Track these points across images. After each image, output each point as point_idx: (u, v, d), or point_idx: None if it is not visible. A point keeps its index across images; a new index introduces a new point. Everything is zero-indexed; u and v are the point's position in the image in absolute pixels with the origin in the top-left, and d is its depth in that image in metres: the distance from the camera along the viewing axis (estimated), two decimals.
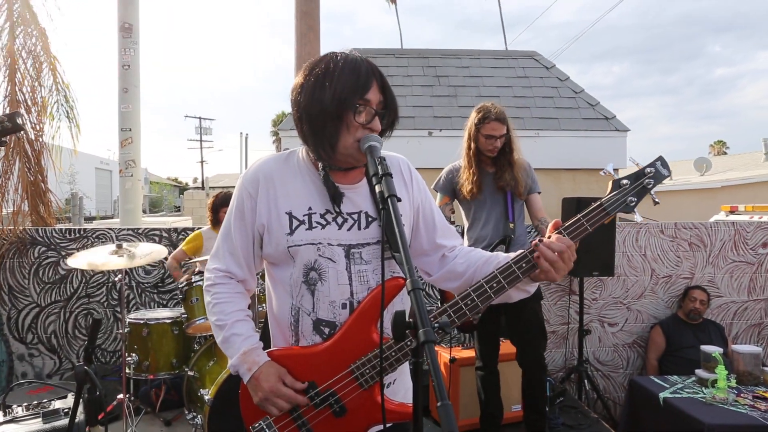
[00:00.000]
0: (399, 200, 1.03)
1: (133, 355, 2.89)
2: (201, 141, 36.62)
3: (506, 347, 2.95)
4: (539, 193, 2.73)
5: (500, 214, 2.65)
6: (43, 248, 3.96)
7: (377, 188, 1.01)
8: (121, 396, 2.72)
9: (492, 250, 2.60)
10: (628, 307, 4.39)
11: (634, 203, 1.10)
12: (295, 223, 1.19)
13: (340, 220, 1.21)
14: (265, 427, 1.20)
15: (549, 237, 1.14)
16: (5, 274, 3.94)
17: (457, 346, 3.28)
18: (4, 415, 1.83)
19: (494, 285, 1.13)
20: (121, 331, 2.79)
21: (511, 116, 4.87)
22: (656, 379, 3.44)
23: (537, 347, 2.67)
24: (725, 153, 35.25)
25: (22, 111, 4.10)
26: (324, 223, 1.20)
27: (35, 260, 3.96)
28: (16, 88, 4.04)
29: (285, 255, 1.20)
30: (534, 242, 1.13)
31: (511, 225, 2.60)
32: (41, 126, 4.23)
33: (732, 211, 6.49)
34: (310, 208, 1.21)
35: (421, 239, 1.33)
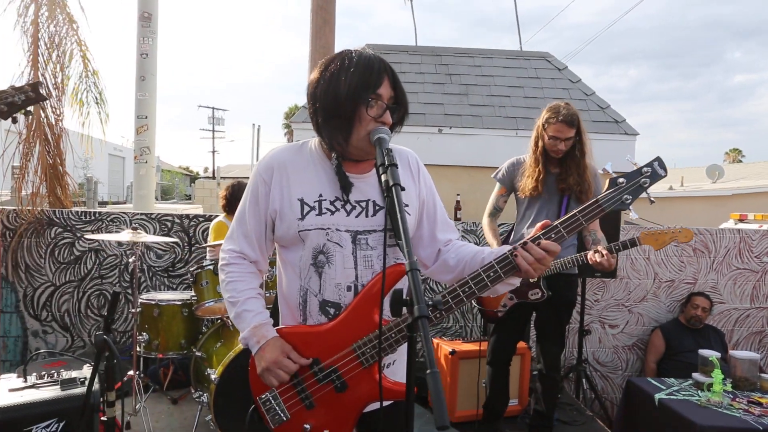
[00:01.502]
0: (403, 189, 1.10)
1: (144, 334, 3.00)
2: (213, 131, 36.90)
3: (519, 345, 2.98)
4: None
5: (551, 216, 2.58)
6: (60, 229, 4.08)
7: (383, 177, 1.09)
8: (131, 373, 2.83)
9: None
10: (629, 309, 4.44)
11: (629, 201, 1.16)
12: (306, 208, 1.27)
13: (348, 207, 1.28)
14: (271, 398, 1.29)
15: (543, 233, 1.20)
16: (23, 252, 4.07)
17: (458, 339, 3.35)
18: (24, 382, 1.94)
19: (478, 281, 1.20)
20: (133, 310, 2.89)
21: (520, 116, 4.97)
22: (653, 381, 3.48)
23: (552, 349, 2.69)
24: (740, 161, 34.88)
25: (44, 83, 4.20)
26: (333, 209, 1.27)
27: (51, 240, 4.08)
28: (39, 72, 4.16)
29: (296, 238, 1.28)
30: (517, 245, 1.19)
31: None
32: (62, 110, 4.35)
33: (741, 220, 6.48)
34: (320, 195, 1.28)
35: (422, 231, 1.40)
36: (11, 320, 4.12)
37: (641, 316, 4.43)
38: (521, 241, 1.19)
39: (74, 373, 2.03)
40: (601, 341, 4.43)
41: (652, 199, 1.23)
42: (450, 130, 4.79)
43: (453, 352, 3.10)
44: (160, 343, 3.03)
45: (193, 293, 3.04)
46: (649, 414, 3.00)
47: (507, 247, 1.23)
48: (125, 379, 2.81)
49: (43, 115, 4.15)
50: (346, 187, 1.27)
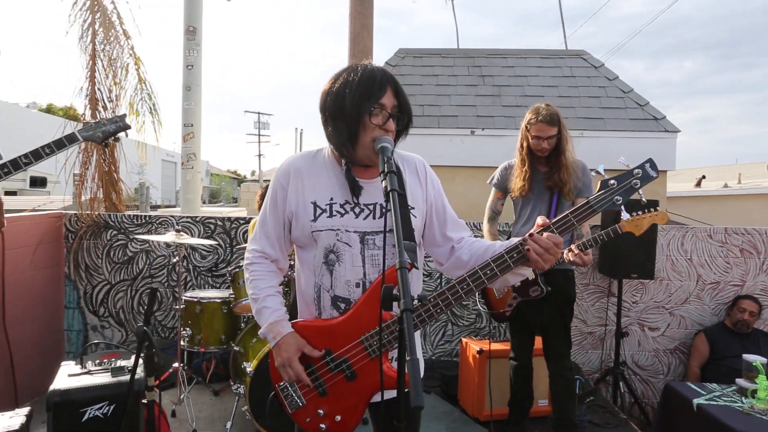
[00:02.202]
0: (401, 195, 1.19)
1: (188, 329, 3.21)
2: (259, 135, 38.04)
3: (539, 342, 3.00)
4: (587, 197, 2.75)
5: (542, 214, 2.65)
6: (114, 231, 4.40)
7: (383, 183, 1.18)
8: (176, 365, 3.05)
9: None
10: (670, 312, 4.31)
11: (620, 202, 1.20)
12: (319, 211, 1.38)
13: (357, 210, 1.38)
14: (288, 385, 1.41)
15: (539, 232, 1.25)
16: (83, 253, 4.42)
17: (487, 338, 3.38)
18: (82, 369, 2.16)
19: (488, 272, 1.26)
20: (177, 307, 3.11)
21: None
22: (693, 386, 3.38)
23: (558, 346, 2.71)
24: None
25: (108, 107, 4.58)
26: (343, 212, 1.38)
27: (107, 242, 4.41)
28: (96, 87, 4.51)
29: (309, 239, 1.40)
30: (526, 236, 1.25)
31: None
32: None
33: None
34: (331, 199, 1.39)
35: (433, 231, 1.48)
36: (74, 316, 4.48)
37: (683, 319, 4.29)
38: (528, 233, 1.25)
39: (124, 363, 2.24)
40: (641, 344, 4.32)
41: (644, 199, 1.26)
42: (482, 132, 4.80)
43: (480, 351, 3.14)
44: (202, 338, 3.24)
45: (231, 291, 3.23)
46: (686, 419, 2.93)
47: (517, 239, 1.29)
48: (171, 370, 3.03)
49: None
50: (355, 190, 1.37)
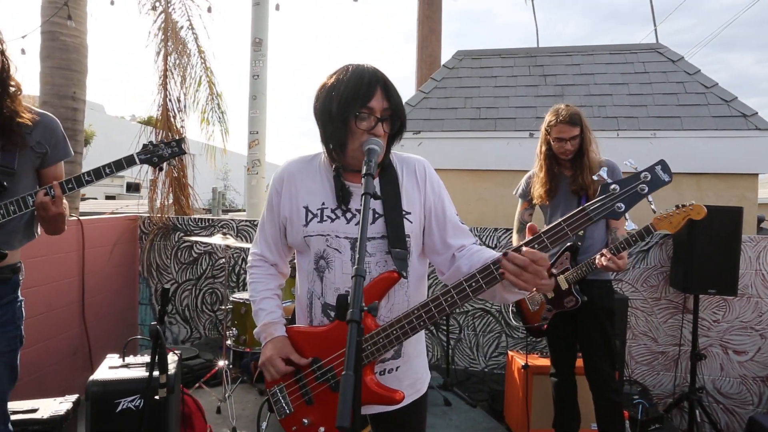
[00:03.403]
0: (378, 198, 1.13)
1: (234, 329, 3.34)
2: None
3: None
4: None
5: None
6: (181, 234, 4.70)
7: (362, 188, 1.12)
8: (221, 363, 3.17)
9: (558, 258, 2.51)
10: (761, 334, 3.80)
11: (622, 209, 1.04)
12: (310, 215, 1.35)
13: (349, 215, 1.33)
14: (278, 390, 1.39)
15: (520, 246, 1.13)
16: (154, 254, 4.77)
17: (534, 353, 3.18)
18: (122, 362, 2.31)
19: (473, 284, 1.16)
20: (224, 307, 3.23)
21: (622, 116, 4.55)
22: None
23: (600, 365, 2.49)
24: None
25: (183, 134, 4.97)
26: (334, 217, 1.34)
27: (175, 244, 4.72)
28: (167, 99, 4.87)
29: (302, 244, 1.37)
30: (503, 252, 1.13)
31: (580, 233, 2.47)
32: (184, 129, 5.03)
33: None
34: (323, 204, 1.35)
35: (433, 238, 1.39)
36: (146, 311, 4.84)
37: None
38: (504, 250, 1.14)
39: None
40: (724, 368, 3.85)
41: (653, 208, 1.09)
42: None
43: (526, 367, 2.96)
44: (247, 338, 3.35)
45: None
46: None
47: (496, 255, 1.18)
48: (216, 369, 3.15)
49: (170, 135, 4.84)
50: (344, 195, 1.32)
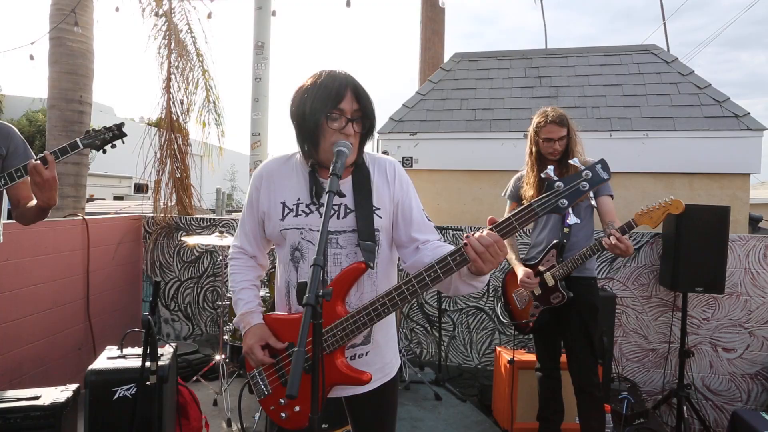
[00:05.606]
0: (343, 196, 1.23)
1: (230, 324, 3.44)
2: None
3: None
4: (611, 196, 2.62)
5: (557, 219, 2.63)
6: (183, 233, 4.83)
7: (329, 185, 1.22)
8: (218, 357, 3.28)
9: (545, 255, 2.59)
10: (750, 332, 3.85)
11: (565, 205, 1.13)
12: (286, 210, 1.46)
13: (322, 210, 1.43)
14: (257, 374, 1.50)
15: (481, 231, 1.22)
16: (157, 252, 4.91)
17: (521, 348, 3.25)
18: (120, 352, 2.43)
19: (431, 274, 1.25)
20: (221, 303, 3.35)
21: (615, 117, 4.62)
22: (765, 415, 3.02)
23: (582, 360, 2.55)
24: None
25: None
26: (308, 211, 1.44)
27: (177, 242, 4.85)
28: (171, 102, 5.00)
29: (280, 237, 1.48)
30: (466, 235, 1.23)
31: (566, 230, 2.56)
32: (187, 131, 5.16)
33: None
34: (299, 199, 1.46)
35: (399, 232, 1.49)
36: (149, 308, 4.97)
37: (767, 340, 3.81)
38: (469, 233, 1.23)
39: (160, 351, 2.46)
40: (713, 366, 3.90)
41: (593, 203, 1.17)
42: None
43: (512, 361, 3.04)
44: None
45: (267, 291, 3.42)
46: None
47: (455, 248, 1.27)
48: (213, 362, 3.26)
49: (172, 136, 4.97)
50: (318, 191, 1.43)
